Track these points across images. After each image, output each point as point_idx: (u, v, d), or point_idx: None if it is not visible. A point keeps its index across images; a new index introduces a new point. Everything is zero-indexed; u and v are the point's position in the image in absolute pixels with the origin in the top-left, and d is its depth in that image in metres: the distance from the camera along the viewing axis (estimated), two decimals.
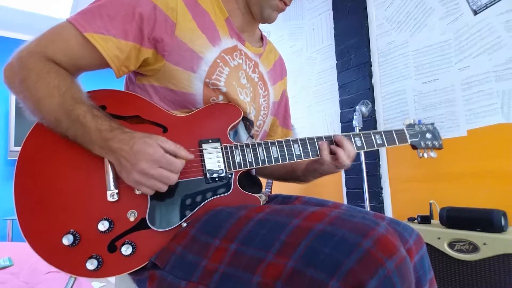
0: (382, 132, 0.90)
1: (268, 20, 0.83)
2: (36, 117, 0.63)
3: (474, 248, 1.26)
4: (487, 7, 1.59)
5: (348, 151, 0.81)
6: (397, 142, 0.92)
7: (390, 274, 0.44)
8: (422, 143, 0.96)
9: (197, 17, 0.74)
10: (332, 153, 0.81)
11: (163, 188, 0.63)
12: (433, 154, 0.98)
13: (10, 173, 3.16)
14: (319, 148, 0.81)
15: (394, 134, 0.92)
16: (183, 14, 0.71)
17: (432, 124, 1.02)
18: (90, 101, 0.64)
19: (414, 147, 0.96)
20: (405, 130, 0.95)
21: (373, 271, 0.43)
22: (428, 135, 0.98)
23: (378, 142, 0.88)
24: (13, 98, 3.10)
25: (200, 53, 0.73)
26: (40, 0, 2.90)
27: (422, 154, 0.97)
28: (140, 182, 0.61)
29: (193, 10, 0.74)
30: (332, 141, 0.83)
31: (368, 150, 0.88)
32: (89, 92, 0.67)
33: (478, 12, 1.62)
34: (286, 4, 0.82)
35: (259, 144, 0.76)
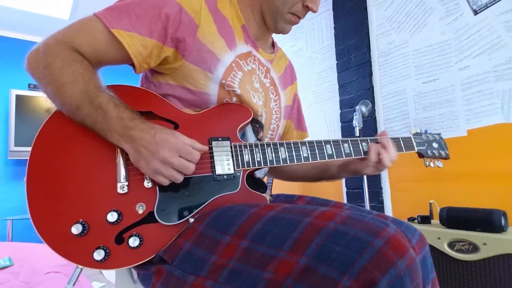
0: (389, 139, 0.90)
1: (282, 32, 0.86)
2: (56, 102, 0.65)
3: (474, 248, 1.26)
4: (487, 7, 1.59)
5: (391, 156, 0.84)
6: (404, 149, 0.92)
7: (401, 273, 0.45)
8: (429, 152, 0.97)
9: (218, 22, 0.77)
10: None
11: (180, 178, 0.64)
12: (439, 163, 0.98)
13: (10, 173, 3.17)
14: (368, 149, 0.85)
15: (401, 142, 0.93)
16: (205, 18, 0.74)
17: (439, 134, 1.03)
18: (111, 93, 0.66)
19: (420, 155, 0.97)
20: (412, 138, 0.96)
21: (385, 269, 0.44)
22: (435, 145, 0.99)
23: None
24: (13, 98, 3.11)
25: (218, 55, 0.75)
26: (40, 0, 2.90)
27: (429, 163, 0.97)
28: (159, 171, 0.62)
29: (214, 15, 0.76)
30: (376, 142, 0.86)
31: None
32: (106, 86, 0.69)
33: (478, 12, 1.63)
34: (299, 18, 0.84)
35: (268, 145, 0.77)
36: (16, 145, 3.06)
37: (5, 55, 3.29)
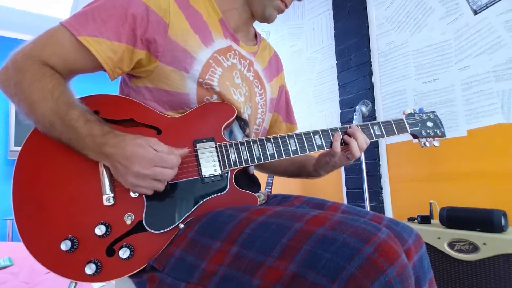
0: (381, 123, 0.89)
1: (269, 19, 0.84)
2: (30, 120, 0.64)
3: (474, 248, 1.26)
4: (487, 7, 1.59)
5: (360, 142, 0.82)
6: (396, 132, 0.90)
7: (391, 281, 0.44)
8: (423, 132, 0.93)
9: (190, 18, 0.74)
10: (342, 144, 0.82)
11: (160, 187, 0.63)
12: (435, 142, 0.94)
13: (10, 173, 3.14)
14: (332, 139, 0.82)
15: (393, 124, 0.90)
16: (175, 15, 0.72)
17: (433, 112, 0.98)
18: (83, 106, 0.64)
19: (415, 136, 0.94)
20: (405, 120, 0.93)
21: (374, 277, 0.43)
22: (429, 124, 0.95)
23: (377, 133, 0.87)
24: None
25: (193, 53, 0.73)
26: (40, 0, 2.90)
27: (424, 144, 0.94)
28: (137, 184, 0.61)
29: (185, 10, 0.74)
30: (345, 132, 0.84)
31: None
32: (82, 98, 0.67)
33: (478, 12, 1.62)
34: (286, 6, 0.83)
35: (254, 141, 0.76)
36: (16, 145, 3.06)
37: (5, 55, 3.29)
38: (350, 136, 0.83)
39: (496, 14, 1.56)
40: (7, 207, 3.08)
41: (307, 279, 0.46)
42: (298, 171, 0.98)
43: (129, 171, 0.60)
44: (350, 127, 0.84)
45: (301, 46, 2.67)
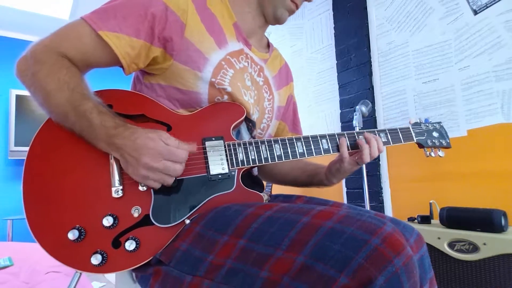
0: (387, 131, 0.89)
1: (280, 19, 0.85)
2: (45, 110, 0.65)
3: (474, 248, 1.26)
4: (487, 7, 1.59)
5: (373, 150, 0.82)
6: (402, 141, 0.91)
7: (398, 271, 0.45)
8: (429, 142, 0.95)
9: (206, 21, 0.76)
10: (349, 149, 0.83)
11: (169, 181, 0.64)
12: (440, 153, 0.96)
13: (10, 173, 3.17)
14: (339, 144, 0.83)
15: (400, 132, 0.91)
16: (192, 16, 0.73)
17: (439, 123, 1.00)
18: (97, 99, 0.65)
19: (420, 145, 0.95)
20: (411, 129, 0.94)
21: (381, 267, 0.44)
22: (435, 134, 0.97)
23: (383, 141, 0.88)
24: (13, 98, 3.11)
25: (206, 54, 0.74)
26: (40, 0, 2.90)
27: (429, 153, 0.95)
28: (147, 177, 0.62)
29: (202, 13, 0.76)
30: (355, 136, 0.85)
31: None
32: (96, 91, 0.68)
33: (478, 12, 1.63)
34: (297, 7, 0.85)
35: (262, 142, 0.76)
36: (16, 145, 3.06)
37: (5, 55, 3.29)
38: (365, 140, 0.84)
39: (496, 14, 1.56)
40: (7, 207, 3.08)
41: (315, 270, 0.47)
42: (309, 180, 0.98)
43: (139, 163, 0.61)
44: (366, 132, 0.85)
45: (301, 46, 2.67)
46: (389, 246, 0.46)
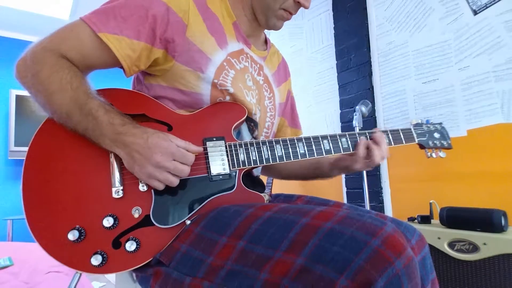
0: (389, 131, 0.89)
1: (274, 28, 0.85)
2: (46, 111, 0.65)
3: (474, 248, 1.26)
4: (487, 7, 1.59)
5: (382, 152, 0.82)
6: (403, 141, 0.90)
7: (398, 273, 0.44)
8: (430, 143, 0.95)
9: (207, 20, 0.75)
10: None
11: (175, 182, 0.64)
12: (442, 154, 0.96)
13: (10, 173, 3.17)
14: (357, 144, 0.82)
15: (401, 133, 0.91)
16: (194, 16, 0.73)
17: (440, 123, 1.00)
18: (101, 97, 0.65)
19: (421, 146, 0.95)
20: (412, 129, 0.94)
21: (382, 269, 0.44)
22: (436, 135, 0.96)
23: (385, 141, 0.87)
24: (13, 98, 3.11)
25: (208, 54, 0.74)
26: (40, 0, 2.90)
27: (431, 154, 0.95)
28: (153, 176, 0.62)
29: (203, 13, 0.75)
30: (367, 137, 0.84)
31: None
32: (96, 90, 0.68)
33: (478, 12, 1.63)
34: (291, 14, 0.82)
35: (263, 143, 0.76)
36: (16, 145, 3.06)
37: (5, 55, 3.29)
38: (375, 143, 0.83)
39: (496, 14, 1.56)
40: (7, 207, 3.08)
41: (315, 272, 0.47)
42: (313, 172, 0.97)
43: (149, 161, 0.61)
44: (375, 131, 0.84)
45: (301, 46, 2.67)
46: (389, 247, 0.46)
